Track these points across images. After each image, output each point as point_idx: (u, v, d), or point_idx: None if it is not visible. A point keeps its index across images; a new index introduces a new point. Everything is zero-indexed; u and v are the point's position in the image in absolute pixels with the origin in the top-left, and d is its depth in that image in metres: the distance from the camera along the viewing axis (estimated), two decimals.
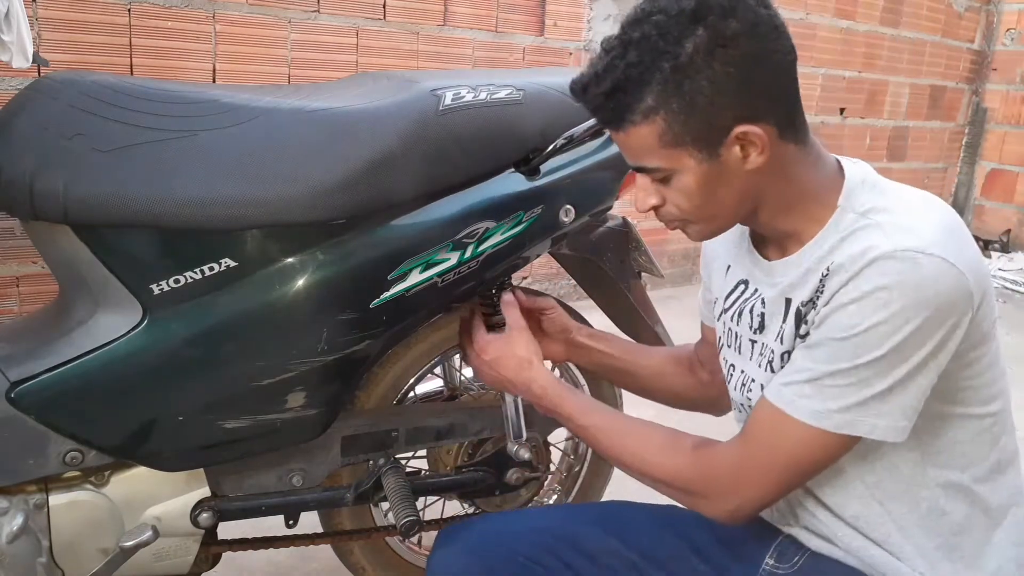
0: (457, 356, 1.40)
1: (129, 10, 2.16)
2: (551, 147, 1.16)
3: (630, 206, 0.92)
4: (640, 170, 0.86)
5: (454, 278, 1.13)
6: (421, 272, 1.10)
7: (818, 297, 0.83)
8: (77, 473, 1.05)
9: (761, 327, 0.92)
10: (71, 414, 1.00)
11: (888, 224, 0.80)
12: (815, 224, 0.85)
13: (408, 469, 1.34)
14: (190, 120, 0.98)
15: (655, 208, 0.88)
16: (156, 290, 0.99)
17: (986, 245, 4.83)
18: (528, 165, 1.17)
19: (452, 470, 1.36)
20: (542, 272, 3.27)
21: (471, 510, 1.42)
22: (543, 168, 1.18)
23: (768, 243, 0.94)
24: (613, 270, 1.37)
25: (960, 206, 5.08)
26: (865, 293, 0.77)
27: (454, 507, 1.49)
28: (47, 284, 2.17)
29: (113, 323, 1.00)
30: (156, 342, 1.00)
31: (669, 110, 0.78)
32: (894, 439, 0.81)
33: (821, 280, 0.82)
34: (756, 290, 0.94)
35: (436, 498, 1.47)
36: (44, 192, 0.92)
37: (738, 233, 0.99)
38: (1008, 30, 4.79)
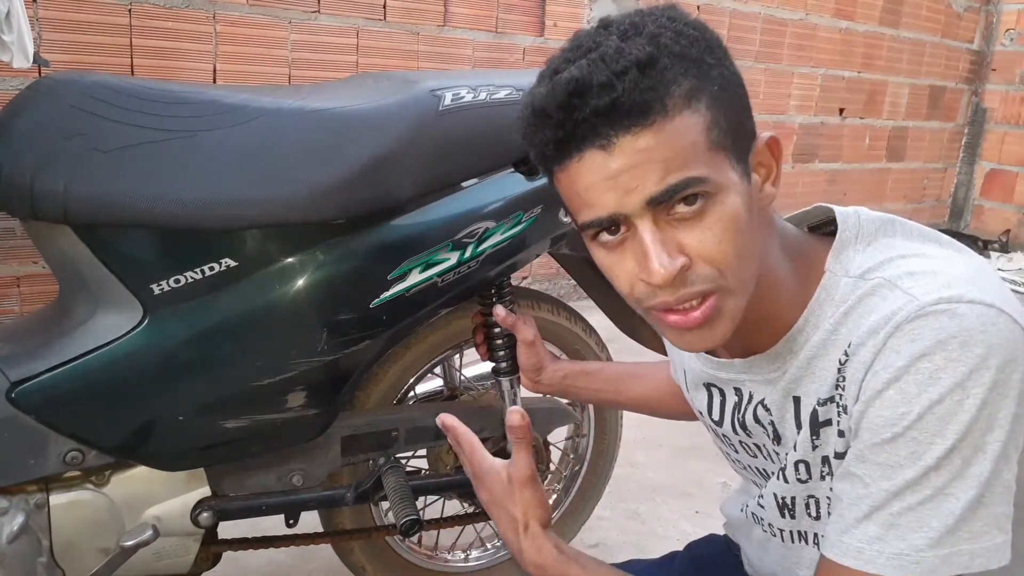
0: (457, 356, 1.41)
1: (129, 10, 2.16)
2: None
3: None
4: (660, 200, 0.58)
5: (454, 278, 1.13)
6: (421, 272, 1.10)
7: (840, 393, 0.65)
8: (77, 473, 1.05)
9: (777, 438, 0.74)
10: (71, 414, 1.00)
11: (902, 276, 0.62)
12: (796, 299, 0.68)
13: (408, 468, 1.34)
14: (190, 120, 0.98)
15: (680, 272, 0.60)
16: (156, 290, 0.99)
17: (985, 245, 4.83)
18: (528, 165, 1.18)
19: (452, 470, 1.36)
20: (542, 272, 3.27)
21: (470, 509, 1.42)
22: None
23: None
24: None
25: (959, 206, 5.09)
26: (902, 369, 0.58)
27: (454, 507, 1.49)
28: (48, 284, 2.17)
29: (113, 323, 1.00)
30: (156, 342, 1.01)
31: (712, 93, 0.59)
32: (998, 563, 0.59)
33: (839, 370, 0.64)
34: (739, 390, 0.77)
35: (436, 497, 1.48)
36: (44, 192, 0.92)
37: None
38: (1007, 30, 4.79)
